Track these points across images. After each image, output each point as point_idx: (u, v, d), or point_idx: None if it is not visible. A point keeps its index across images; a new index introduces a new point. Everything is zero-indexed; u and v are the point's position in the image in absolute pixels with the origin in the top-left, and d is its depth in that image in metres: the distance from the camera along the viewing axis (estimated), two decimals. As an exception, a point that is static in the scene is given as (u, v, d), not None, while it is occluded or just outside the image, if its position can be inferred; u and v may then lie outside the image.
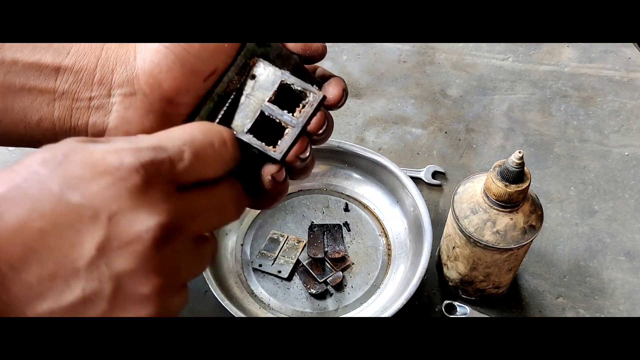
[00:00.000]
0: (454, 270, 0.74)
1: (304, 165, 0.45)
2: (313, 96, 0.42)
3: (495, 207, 0.64)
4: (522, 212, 0.65)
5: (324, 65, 0.48)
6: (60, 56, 0.43)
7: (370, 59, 1.03)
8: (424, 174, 0.88)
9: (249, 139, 0.41)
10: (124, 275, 0.31)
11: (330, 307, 0.77)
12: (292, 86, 0.42)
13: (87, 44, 0.43)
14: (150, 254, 0.32)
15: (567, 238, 0.84)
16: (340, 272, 0.79)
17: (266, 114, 0.42)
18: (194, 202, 0.34)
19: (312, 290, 0.77)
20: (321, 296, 0.77)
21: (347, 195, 0.86)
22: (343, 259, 0.80)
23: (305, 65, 0.45)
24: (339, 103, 0.45)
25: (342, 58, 1.03)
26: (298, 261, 0.80)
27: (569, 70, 1.02)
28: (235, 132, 0.41)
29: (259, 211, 0.84)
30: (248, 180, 0.42)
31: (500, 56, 1.04)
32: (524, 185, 0.62)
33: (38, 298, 0.31)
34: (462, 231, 0.67)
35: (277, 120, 0.42)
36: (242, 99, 0.43)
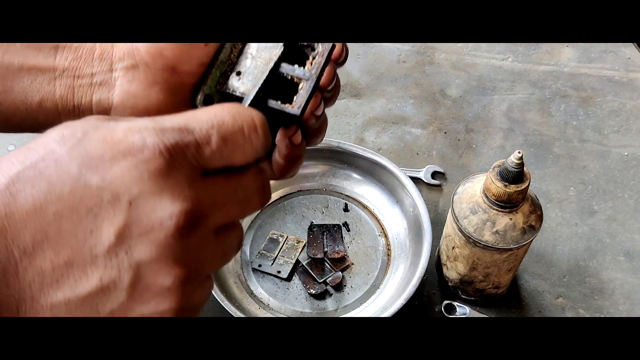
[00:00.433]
0: (453, 271, 0.74)
1: (318, 125, 0.44)
2: (322, 46, 0.41)
3: (494, 207, 0.64)
4: (522, 212, 0.65)
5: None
6: None
7: (369, 59, 1.03)
8: (424, 174, 0.88)
9: (263, 100, 0.40)
10: (145, 265, 0.29)
11: (330, 307, 0.77)
12: (299, 42, 0.41)
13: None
14: (173, 243, 0.30)
15: (567, 238, 0.84)
16: (340, 272, 0.79)
17: (277, 72, 0.41)
18: (219, 190, 0.32)
19: (311, 291, 0.77)
20: (321, 296, 0.77)
21: (347, 196, 0.86)
22: (342, 259, 0.80)
23: None
24: (342, 55, 0.44)
25: (341, 58, 1.03)
26: (297, 261, 0.80)
27: (568, 70, 1.02)
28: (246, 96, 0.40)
29: (258, 211, 0.84)
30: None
31: (500, 56, 1.04)
32: (524, 186, 0.62)
33: (53, 286, 0.29)
34: (461, 231, 0.67)
35: (289, 77, 0.41)
36: (248, 62, 0.42)
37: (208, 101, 0.42)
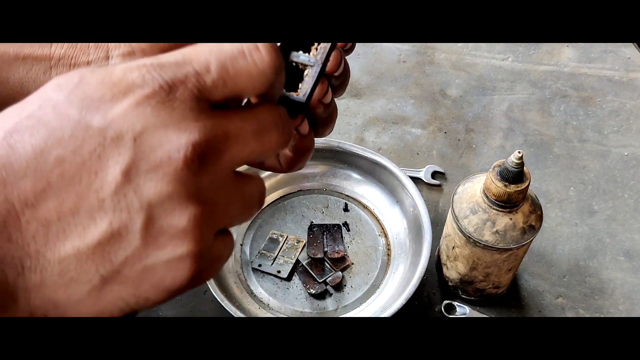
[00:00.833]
0: (453, 270, 0.74)
1: (327, 114, 0.43)
2: None
3: (494, 207, 0.64)
4: (522, 212, 0.65)
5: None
6: None
7: (369, 58, 1.03)
8: (424, 174, 0.88)
9: None
10: (156, 204, 0.28)
11: (330, 307, 0.77)
12: None
13: None
14: (184, 177, 0.28)
15: (567, 238, 0.84)
16: (340, 272, 0.79)
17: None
18: (230, 121, 0.30)
19: (311, 290, 0.77)
20: (320, 296, 0.77)
21: (347, 195, 0.86)
22: (342, 259, 0.80)
23: None
24: (347, 44, 0.42)
25: (341, 58, 1.03)
26: (297, 261, 0.80)
27: (568, 70, 1.02)
28: None
29: (258, 211, 0.84)
30: None
31: (500, 56, 1.04)
32: (524, 185, 0.62)
33: (60, 238, 0.27)
34: (461, 231, 0.67)
35: (294, 64, 0.40)
36: None
37: None
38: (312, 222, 0.83)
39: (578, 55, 1.04)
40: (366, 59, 1.03)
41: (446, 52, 1.04)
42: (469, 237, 0.67)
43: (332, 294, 0.78)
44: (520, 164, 0.61)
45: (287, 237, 0.82)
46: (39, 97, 0.29)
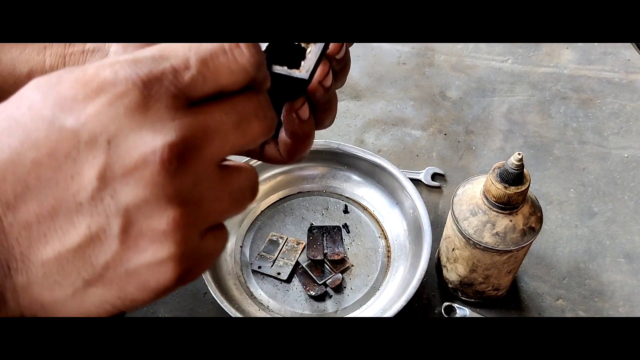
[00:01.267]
0: (453, 272, 0.74)
1: (327, 99, 0.41)
2: None
3: (494, 209, 0.64)
4: (522, 214, 0.65)
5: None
6: None
7: (369, 61, 1.03)
8: (424, 176, 0.88)
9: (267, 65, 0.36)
10: (134, 208, 0.27)
11: (330, 309, 0.76)
12: None
13: None
14: (161, 180, 0.27)
15: (567, 240, 0.83)
16: (340, 274, 0.78)
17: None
18: (209, 116, 0.29)
19: (311, 292, 0.77)
20: (320, 298, 0.77)
21: (347, 197, 0.86)
22: (342, 260, 0.80)
23: None
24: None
25: (341, 60, 1.03)
26: (297, 263, 0.80)
27: (568, 72, 1.02)
28: None
29: (258, 213, 0.84)
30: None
31: (500, 58, 1.04)
32: (523, 187, 0.62)
33: (41, 241, 0.27)
34: (461, 233, 0.67)
35: (295, 43, 0.38)
36: None
37: None
38: (312, 223, 0.83)
39: (578, 57, 1.04)
40: (366, 61, 1.03)
41: (446, 54, 1.04)
42: (468, 239, 0.67)
43: (332, 295, 0.78)
44: (520, 166, 0.61)
45: (286, 239, 0.82)
46: (18, 97, 0.28)
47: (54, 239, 0.27)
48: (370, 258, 0.81)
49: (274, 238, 0.82)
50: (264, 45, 0.37)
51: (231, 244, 0.81)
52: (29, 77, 0.39)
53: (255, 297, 0.77)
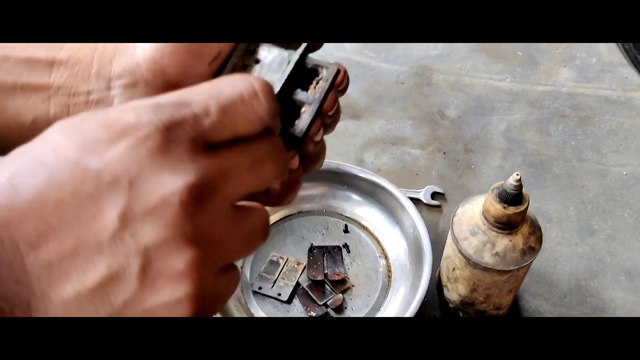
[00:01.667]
0: (454, 292, 0.74)
1: (317, 151, 0.43)
2: (327, 71, 0.40)
3: (494, 228, 0.64)
4: (521, 233, 0.65)
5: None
6: (54, 51, 0.40)
7: (368, 80, 1.04)
8: (423, 195, 0.88)
9: None
10: (153, 248, 0.28)
11: (331, 329, 0.76)
12: (305, 64, 0.41)
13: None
14: (180, 221, 0.28)
15: (567, 258, 0.83)
16: (341, 295, 0.78)
17: (280, 93, 0.40)
18: (226, 159, 0.30)
19: (312, 313, 0.77)
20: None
21: (347, 217, 0.86)
22: (343, 281, 0.80)
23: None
24: (343, 82, 0.43)
25: (340, 80, 1.03)
26: (298, 283, 0.80)
27: (566, 90, 1.02)
28: None
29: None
30: None
31: (498, 77, 1.04)
32: (522, 207, 0.62)
33: (62, 279, 0.28)
34: (461, 253, 0.67)
35: (291, 101, 0.40)
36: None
37: None
38: (312, 243, 0.83)
39: (575, 75, 1.04)
40: (364, 80, 1.04)
41: (444, 73, 1.05)
42: (468, 259, 0.67)
43: (332, 316, 0.77)
44: (519, 186, 0.61)
45: (287, 259, 0.82)
46: (42, 139, 0.29)
47: (74, 278, 0.28)
48: (371, 278, 0.81)
49: (275, 258, 0.82)
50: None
51: (232, 264, 0.81)
52: (33, 124, 0.40)
53: (256, 318, 0.77)
